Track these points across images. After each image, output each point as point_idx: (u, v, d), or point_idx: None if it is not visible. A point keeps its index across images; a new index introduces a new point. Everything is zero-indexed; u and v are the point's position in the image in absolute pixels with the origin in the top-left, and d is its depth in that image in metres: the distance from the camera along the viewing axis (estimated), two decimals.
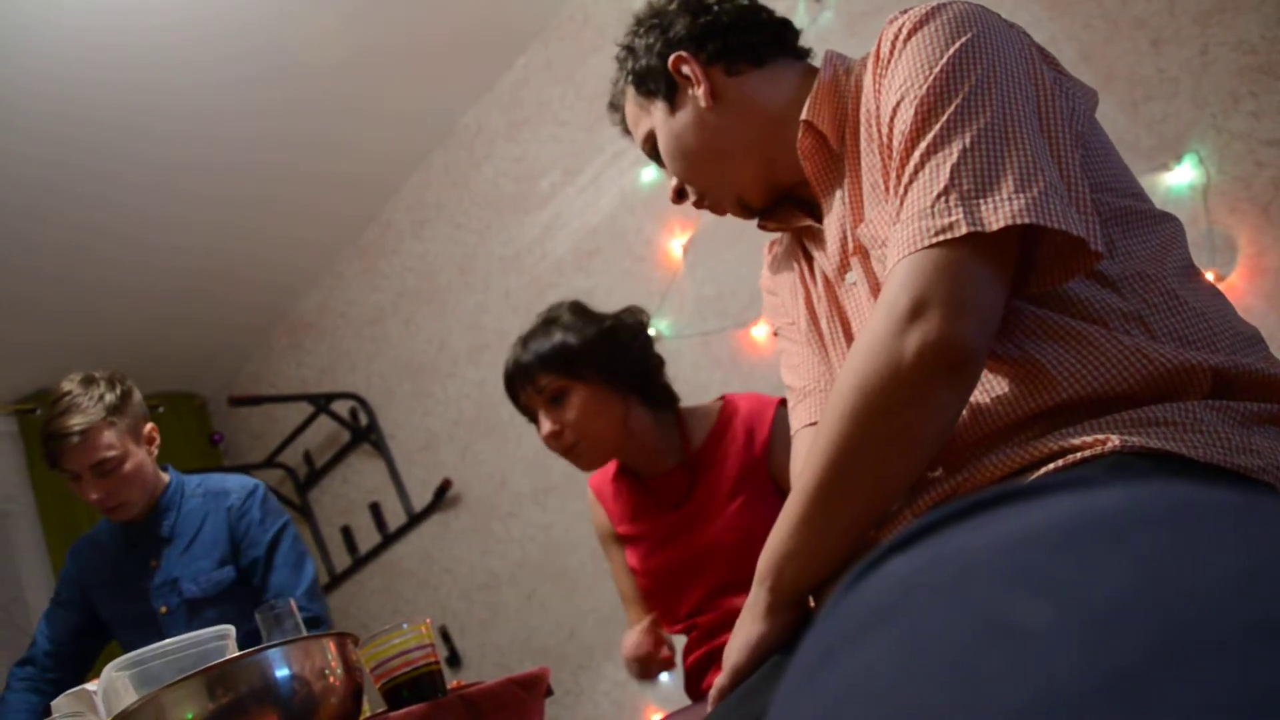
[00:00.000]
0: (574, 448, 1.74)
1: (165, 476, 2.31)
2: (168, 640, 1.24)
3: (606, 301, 1.99)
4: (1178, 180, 2.07)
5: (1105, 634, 0.21)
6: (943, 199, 0.85)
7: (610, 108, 1.34)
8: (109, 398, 2.16)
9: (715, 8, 1.19)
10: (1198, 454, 0.79)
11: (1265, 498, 0.26)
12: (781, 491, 1.72)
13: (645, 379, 1.81)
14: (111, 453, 2.13)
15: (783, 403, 1.78)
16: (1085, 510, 0.26)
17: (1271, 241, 1.98)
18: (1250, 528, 0.24)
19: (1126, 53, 2.16)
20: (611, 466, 1.88)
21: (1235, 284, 1.98)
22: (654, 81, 1.20)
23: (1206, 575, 0.22)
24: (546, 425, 1.72)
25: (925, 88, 0.90)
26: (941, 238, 0.83)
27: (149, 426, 2.26)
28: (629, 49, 1.24)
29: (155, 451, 2.27)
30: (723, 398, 1.85)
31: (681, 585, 1.74)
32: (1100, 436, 0.81)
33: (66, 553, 2.42)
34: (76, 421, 2.10)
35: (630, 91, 1.25)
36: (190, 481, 2.33)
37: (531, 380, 1.71)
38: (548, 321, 1.78)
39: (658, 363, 1.84)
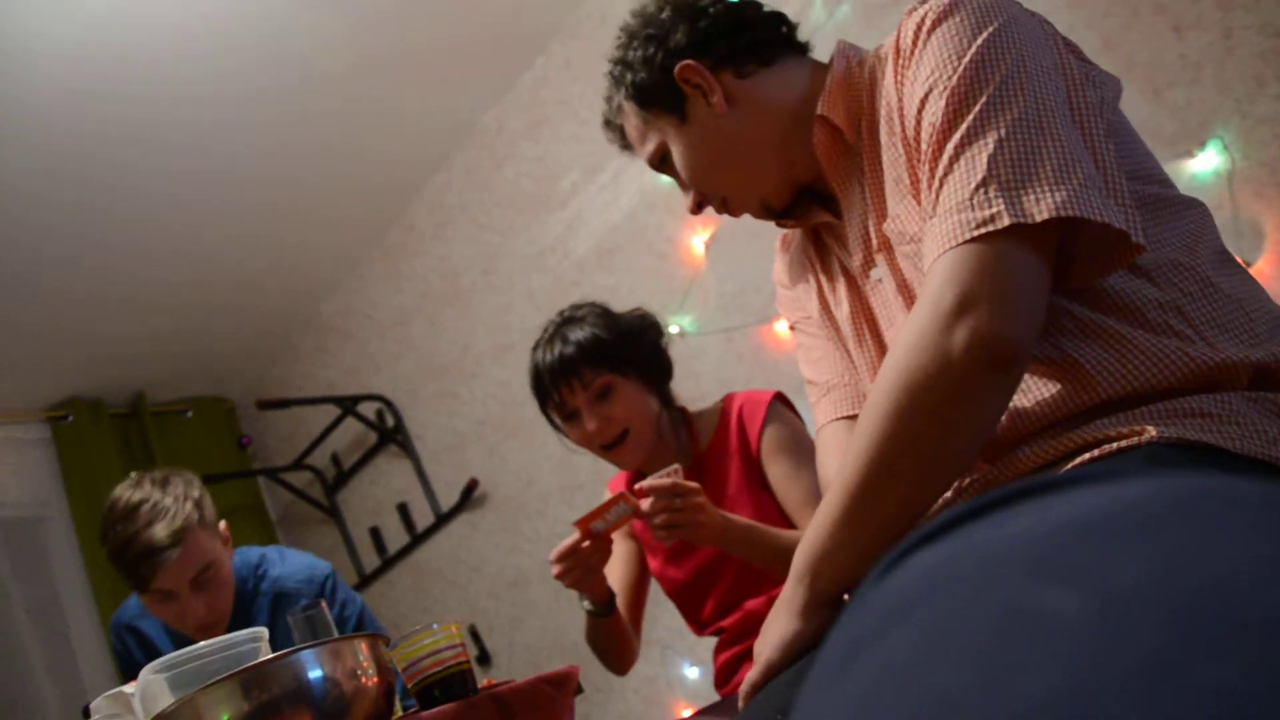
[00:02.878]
0: (617, 444, 1.69)
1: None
2: (202, 643, 1.25)
3: (629, 299, 1.99)
4: (1202, 167, 2.05)
5: (1129, 622, 0.22)
6: (982, 190, 0.83)
7: (606, 125, 1.29)
8: (193, 493, 1.87)
9: (710, 10, 1.15)
10: (1234, 446, 0.78)
11: None
12: (768, 486, 1.71)
13: (667, 380, 1.81)
14: (209, 558, 1.83)
15: (778, 396, 1.77)
16: (1109, 501, 0.26)
17: None
18: (1272, 519, 0.24)
19: (1148, 39, 2.14)
20: (626, 472, 1.88)
21: (1262, 270, 1.96)
22: (660, 95, 1.16)
23: (1229, 564, 0.23)
24: (592, 422, 1.67)
25: (955, 79, 0.89)
26: (984, 230, 0.82)
27: (223, 524, 1.96)
28: (624, 63, 1.20)
29: (231, 552, 1.97)
30: (725, 398, 1.83)
31: (701, 590, 1.75)
32: (1137, 427, 0.81)
33: (111, 631, 2.09)
34: (169, 530, 1.77)
35: (631, 108, 1.21)
36: (250, 576, 2.02)
37: (577, 375, 1.66)
38: (572, 320, 1.74)
39: (671, 367, 1.83)
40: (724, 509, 1.69)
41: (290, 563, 2.09)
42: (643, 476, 1.79)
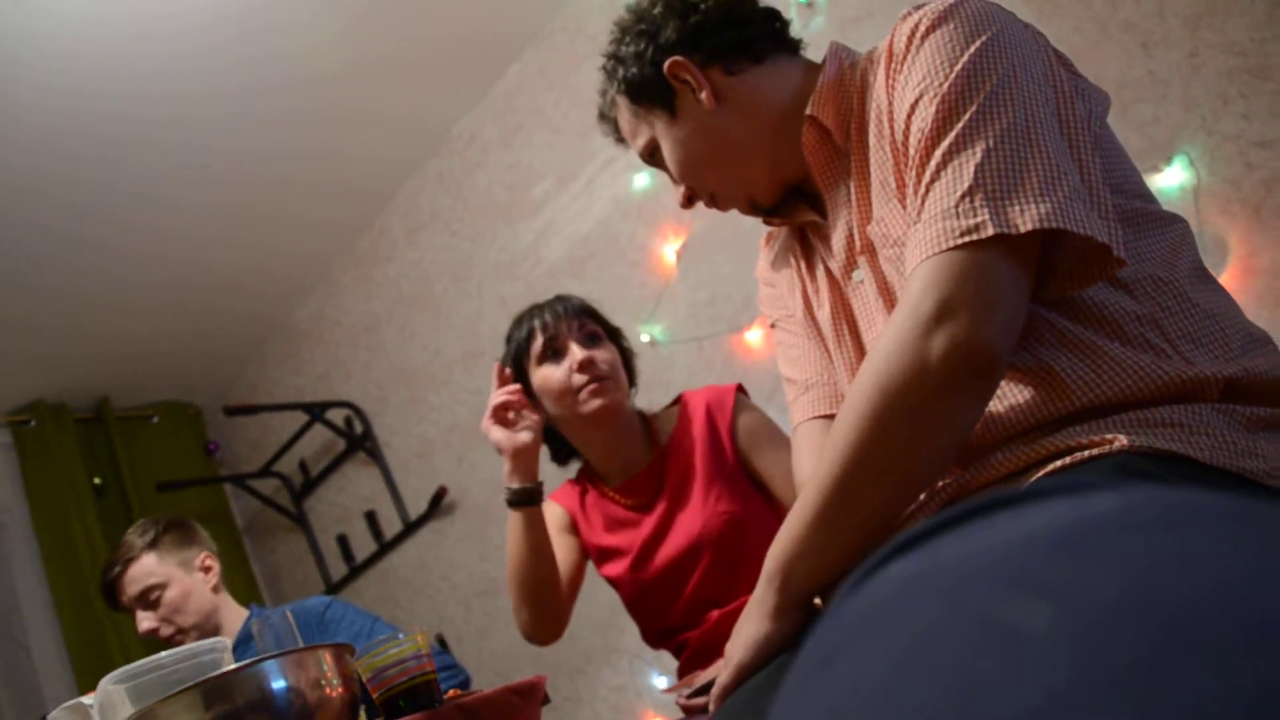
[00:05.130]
0: (605, 380, 1.71)
1: (243, 611, 2.31)
2: (163, 653, 1.23)
3: (600, 308, 1.99)
4: (1168, 182, 2.07)
5: (1102, 637, 0.21)
6: (967, 199, 0.83)
7: (600, 118, 1.31)
8: (153, 531, 2.24)
9: (702, 6, 1.15)
10: (1203, 456, 0.79)
11: (1263, 502, 0.26)
12: (750, 473, 1.72)
13: (631, 382, 1.85)
14: (153, 579, 2.16)
15: (739, 388, 1.80)
16: (1083, 515, 0.26)
17: (1263, 242, 1.98)
18: (1246, 532, 0.24)
19: (1116, 56, 2.17)
20: (574, 485, 1.87)
21: (1227, 285, 1.99)
22: (650, 90, 1.16)
23: (1203, 579, 0.23)
24: (580, 352, 1.70)
25: (946, 85, 0.89)
26: (967, 239, 0.82)
27: (203, 555, 2.29)
28: (616, 58, 1.21)
29: (212, 580, 2.27)
30: (679, 396, 1.86)
31: (669, 589, 1.72)
32: (1108, 436, 0.81)
33: None
34: (120, 560, 2.18)
35: (623, 101, 1.21)
36: (273, 612, 2.24)
37: (576, 316, 1.76)
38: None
39: (634, 384, 1.89)
40: (694, 495, 1.71)
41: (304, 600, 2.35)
42: (597, 476, 1.82)
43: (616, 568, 1.78)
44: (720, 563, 1.67)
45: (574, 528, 1.83)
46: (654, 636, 1.80)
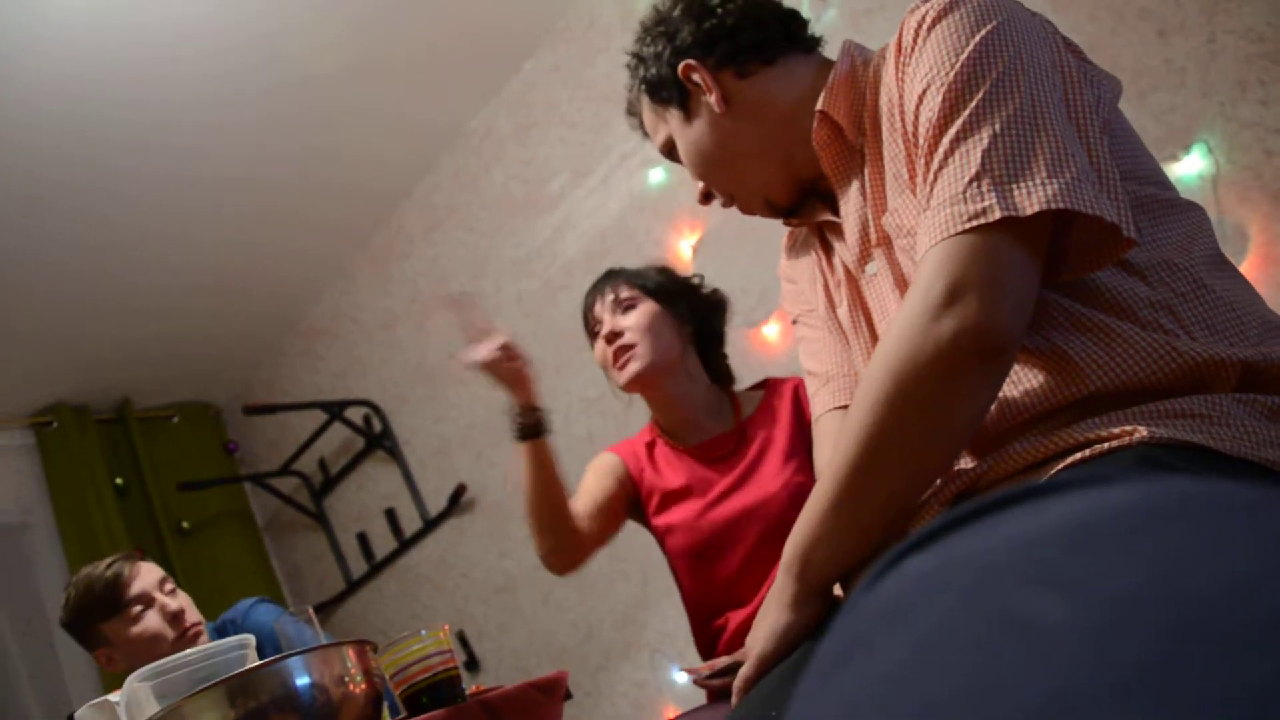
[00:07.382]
0: (630, 349, 1.74)
1: None
2: (188, 650, 1.24)
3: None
4: (1187, 170, 2.06)
5: (1119, 629, 0.22)
6: (975, 184, 0.84)
7: (628, 113, 1.34)
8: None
9: (719, 10, 1.17)
10: (1225, 447, 0.78)
11: None
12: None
13: (708, 338, 1.88)
14: (164, 574, 2.15)
15: None
16: (1099, 508, 0.26)
17: None
18: (1264, 523, 0.24)
19: (1132, 44, 2.15)
20: (644, 436, 1.87)
21: (1247, 273, 1.97)
22: (666, 90, 1.19)
23: (1219, 570, 0.23)
24: (608, 324, 1.77)
25: (952, 74, 0.90)
26: (975, 223, 0.82)
27: None
28: (639, 56, 1.23)
29: None
30: (765, 380, 1.90)
31: (726, 544, 1.71)
32: (1128, 428, 0.81)
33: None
34: (122, 556, 2.13)
35: (644, 99, 1.25)
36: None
37: (611, 287, 1.81)
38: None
39: (721, 338, 1.91)
40: (769, 462, 1.74)
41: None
42: (669, 435, 1.83)
43: (680, 513, 1.77)
44: (781, 531, 1.65)
45: (626, 477, 1.84)
46: (696, 608, 1.77)
